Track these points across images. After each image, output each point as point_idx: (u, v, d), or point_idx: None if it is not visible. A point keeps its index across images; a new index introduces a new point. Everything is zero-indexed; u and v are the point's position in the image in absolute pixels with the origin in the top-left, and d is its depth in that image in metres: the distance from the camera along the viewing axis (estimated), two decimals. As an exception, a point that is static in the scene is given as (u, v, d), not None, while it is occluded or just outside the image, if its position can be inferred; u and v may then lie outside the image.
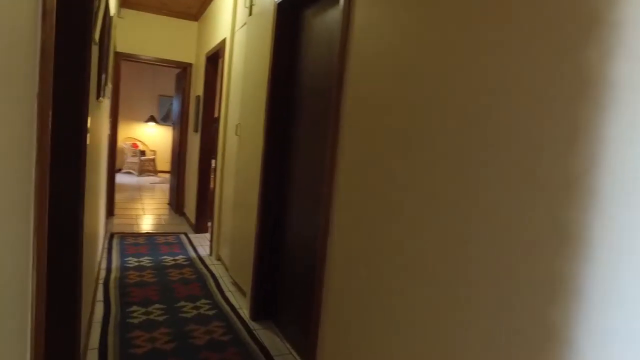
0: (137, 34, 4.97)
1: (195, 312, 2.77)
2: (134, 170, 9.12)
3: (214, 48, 4.23)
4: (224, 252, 3.73)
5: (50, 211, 1.74)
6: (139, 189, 7.68)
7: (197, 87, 5.01)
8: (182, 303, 2.88)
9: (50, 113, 0.89)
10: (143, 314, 2.67)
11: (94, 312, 2.65)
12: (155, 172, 9.37)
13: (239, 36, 3.45)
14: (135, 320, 2.57)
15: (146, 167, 9.24)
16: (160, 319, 2.62)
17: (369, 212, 1.58)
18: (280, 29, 2.61)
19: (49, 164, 0.89)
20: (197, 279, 3.34)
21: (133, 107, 9.35)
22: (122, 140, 9.13)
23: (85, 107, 1.69)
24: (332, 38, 2.16)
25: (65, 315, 1.79)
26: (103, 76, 2.55)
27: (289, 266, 2.59)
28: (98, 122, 2.59)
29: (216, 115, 4.49)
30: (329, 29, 2.20)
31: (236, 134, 3.41)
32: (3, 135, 0.68)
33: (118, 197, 6.43)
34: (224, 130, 3.83)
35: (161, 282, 3.20)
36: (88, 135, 1.84)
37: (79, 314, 1.83)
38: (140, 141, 9.42)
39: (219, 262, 3.82)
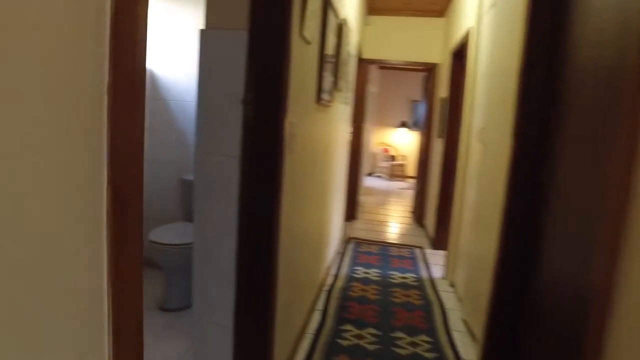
0: (383, 39, 4.92)
1: (411, 349, 2.34)
2: (384, 174, 9.43)
3: (458, 42, 3.68)
4: (458, 277, 3.15)
5: (247, 214, 1.68)
6: (386, 193, 7.82)
7: (442, 88, 4.55)
8: (399, 334, 2.50)
9: (142, 114, 0.64)
10: (355, 336, 2.43)
11: (310, 320, 2.59)
12: (404, 177, 9.43)
13: (487, 21, 2.80)
14: (345, 343, 2.35)
15: (396, 172, 9.40)
16: (371, 347, 2.32)
17: None
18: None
19: (138, 168, 0.64)
20: (422, 307, 2.90)
21: (386, 113, 9.68)
22: (375, 145, 9.58)
23: (281, 108, 1.52)
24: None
25: (258, 322, 1.68)
26: (328, 79, 2.44)
27: (541, 318, 1.83)
28: (322, 126, 2.51)
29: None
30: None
31: (479, 141, 2.79)
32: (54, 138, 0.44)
33: (366, 200, 6.67)
34: (466, 136, 3.24)
35: (383, 302, 2.92)
36: (289, 138, 1.68)
37: (272, 322, 1.69)
38: (391, 146, 9.67)
39: (451, 290, 3.26)
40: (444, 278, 3.50)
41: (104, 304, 0.61)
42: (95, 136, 0.57)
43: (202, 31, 1.52)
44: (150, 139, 3.14)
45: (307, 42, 1.83)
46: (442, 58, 4.77)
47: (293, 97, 1.68)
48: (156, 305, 2.55)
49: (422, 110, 5.88)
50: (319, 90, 2.21)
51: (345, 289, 3.12)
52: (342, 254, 3.94)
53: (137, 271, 0.65)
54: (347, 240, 4.41)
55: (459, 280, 3.12)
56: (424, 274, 3.58)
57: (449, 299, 3.07)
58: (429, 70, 5.11)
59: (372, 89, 7.82)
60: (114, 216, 0.60)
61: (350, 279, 3.34)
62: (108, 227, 0.59)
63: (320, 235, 2.91)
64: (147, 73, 3.10)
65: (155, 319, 2.41)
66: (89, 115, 0.56)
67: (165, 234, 2.47)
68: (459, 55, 3.83)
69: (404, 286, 3.26)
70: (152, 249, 2.40)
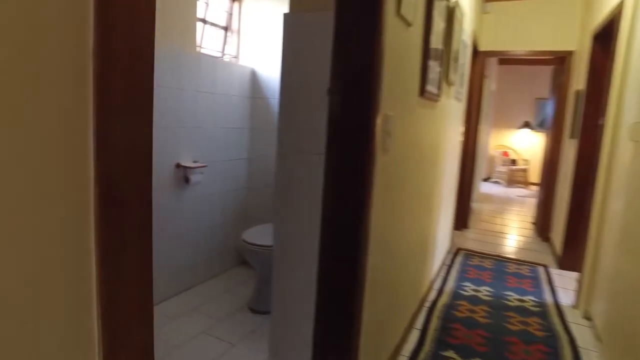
0: (505, 27, 4.35)
1: (530, 392, 1.93)
2: (502, 180, 8.53)
3: (603, 21, 3.03)
4: (597, 308, 2.57)
5: (331, 217, 1.50)
6: (504, 201, 7.03)
7: (578, 79, 3.85)
8: (514, 370, 2.09)
9: (148, 86, 0.49)
10: (459, 367, 2.09)
11: (407, 340, 2.31)
12: (526, 184, 8.40)
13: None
14: (447, 373, 2.03)
15: (516, 177, 8.43)
16: (478, 383, 1.96)
17: None
18: None
19: (148, 160, 0.50)
20: (545, 340, 2.42)
21: (507, 112, 8.74)
22: (493, 148, 8.73)
23: (372, 99, 1.31)
24: None
25: (341, 338, 1.49)
26: (435, 69, 2.14)
27: None
28: (427, 123, 2.22)
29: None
30: None
31: (631, 138, 2.23)
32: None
33: (480, 208, 6.05)
34: (611, 134, 2.64)
35: (494, 328, 2.50)
36: (383, 133, 1.45)
37: (356, 340, 1.48)
38: (511, 149, 8.70)
39: (586, 323, 2.67)
40: (575, 307, 2.90)
41: (93, 340, 0.47)
42: (74, 112, 0.43)
43: (285, 15, 1.39)
44: (251, 138, 3.17)
45: (407, 24, 1.58)
46: (578, 44, 4.05)
47: (388, 87, 1.46)
48: (246, 304, 2.53)
49: (549, 108, 5.10)
50: (423, 80, 1.94)
51: (450, 307, 2.76)
52: (448, 267, 3.55)
53: (142, 294, 0.50)
54: (455, 251, 3.98)
55: (597, 312, 2.53)
56: (548, 298, 3.02)
57: (583, 335, 2.50)
58: (561, 60, 4.38)
59: (491, 86, 7.10)
60: (107, 223, 0.45)
61: (457, 295, 2.96)
62: (97, 238, 0.45)
63: (423, 244, 2.61)
64: (249, 72, 3.16)
65: (244, 319, 2.37)
66: (66, 83, 0.42)
67: (256, 234, 2.42)
68: (603, 36, 3.17)
69: (522, 311, 2.77)
70: (243, 249, 2.37)
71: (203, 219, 2.80)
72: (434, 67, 2.12)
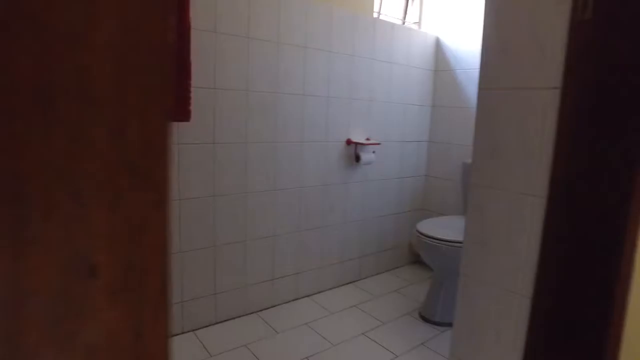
0: None
1: None
2: None
3: None
4: None
5: (567, 198, 0.95)
6: None
7: None
8: None
9: None
10: None
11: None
12: None
13: None
14: None
15: None
16: None
17: None
18: None
19: None
20: None
21: None
22: None
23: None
24: None
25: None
26: None
27: None
28: None
29: None
30: None
31: None
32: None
33: None
34: None
35: None
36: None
37: None
38: None
39: None
40: None
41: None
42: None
43: None
44: (432, 118, 2.72)
45: None
46: None
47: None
48: (416, 310, 2.10)
49: None
50: None
51: None
52: None
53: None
54: None
55: None
56: None
57: None
58: None
59: None
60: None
61: None
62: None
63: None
64: (432, 40, 2.70)
65: (412, 327, 1.94)
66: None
67: (435, 226, 1.97)
68: None
69: None
70: (418, 242, 1.94)
71: (374, 205, 2.48)
72: None
